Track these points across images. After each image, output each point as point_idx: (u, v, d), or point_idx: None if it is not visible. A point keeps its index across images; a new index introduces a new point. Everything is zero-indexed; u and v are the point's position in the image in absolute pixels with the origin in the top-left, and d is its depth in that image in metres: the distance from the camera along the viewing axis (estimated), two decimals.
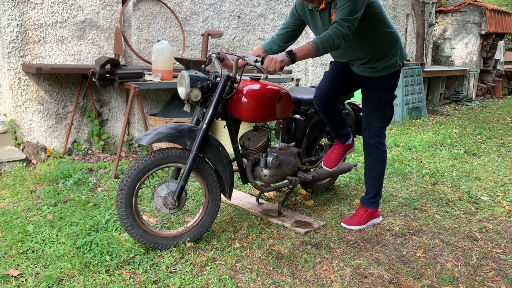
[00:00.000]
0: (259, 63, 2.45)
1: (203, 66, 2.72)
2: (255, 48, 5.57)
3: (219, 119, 2.71)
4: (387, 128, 6.25)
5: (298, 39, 3.11)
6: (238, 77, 2.57)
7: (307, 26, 2.85)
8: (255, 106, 2.63)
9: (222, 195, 2.72)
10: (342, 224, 2.95)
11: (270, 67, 2.39)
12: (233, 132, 2.75)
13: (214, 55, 2.64)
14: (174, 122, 4.18)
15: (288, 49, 2.50)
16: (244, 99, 2.62)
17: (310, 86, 3.48)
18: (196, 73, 2.54)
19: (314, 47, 2.43)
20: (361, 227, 2.92)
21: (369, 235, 2.84)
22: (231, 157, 2.72)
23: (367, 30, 2.62)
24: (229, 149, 2.74)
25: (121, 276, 2.24)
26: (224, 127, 2.75)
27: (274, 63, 2.38)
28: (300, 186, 3.49)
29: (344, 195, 3.55)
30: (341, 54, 2.85)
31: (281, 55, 2.41)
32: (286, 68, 5.93)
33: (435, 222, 3.09)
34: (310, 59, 6.60)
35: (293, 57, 2.42)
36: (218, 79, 2.62)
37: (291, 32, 2.85)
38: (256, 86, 2.69)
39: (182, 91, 2.52)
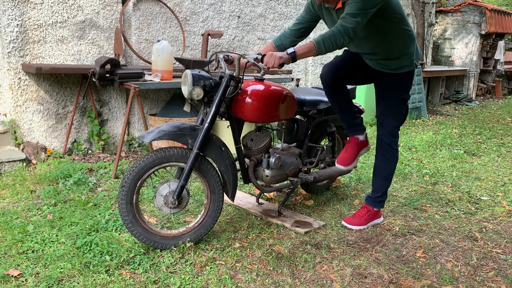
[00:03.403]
0: (259, 61, 2.45)
1: (210, 66, 2.73)
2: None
3: (223, 119, 2.71)
4: None
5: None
6: (240, 75, 2.57)
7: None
8: (259, 107, 2.63)
9: (224, 196, 2.72)
10: (343, 223, 2.95)
11: (269, 64, 2.39)
12: (236, 132, 2.74)
13: (221, 55, 2.64)
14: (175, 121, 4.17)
15: (289, 47, 2.49)
16: (248, 100, 2.62)
17: (312, 87, 3.48)
18: (200, 72, 2.55)
19: (315, 45, 2.40)
20: (361, 227, 2.91)
21: (369, 235, 2.84)
22: (234, 158, 2.72)
23: (385, 28, 2.59)
24: (232, 149, 2.74)
25: (121, 276, 2.24)
26: (228, 127, 2.75)
27: (273, 59, 2.37)
28: (300, 186, 3.49)
29: (344, 195, 3.55)
30: (356, 46, 2.80)
31: (281, 53, 2.40)
32: (286, 68, 5.93)
33: (435, 222, 3.09)
34: (310, 59, 6.60)
35: (293, 55, 2.40)
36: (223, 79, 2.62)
37: (305, 28, 2.83)
38: (261, 87, 2.69)
39: (185, 90, 2.53)
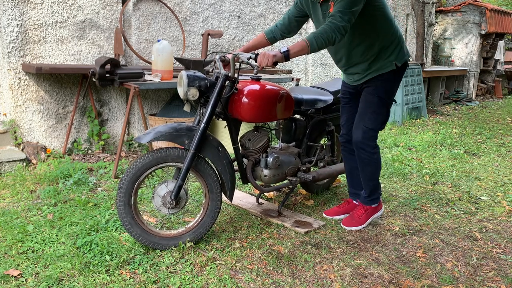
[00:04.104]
0: (253, 60, 2.46)
1: (208, 67, 2.74)
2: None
3: (220, 119, 2.71)
4: (387, 128, 6.24)
5: (295, 36, 3.10)
6: (235, 75, 2.58)
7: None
8: (256, 107, 2.63)
9: (223, 196, 2.72)
10: (342, 225, 2.94)
11: (263, 63, 2.40)
12: (233, 133, 2.75)
13: (217, 57, 2.65)
14: (174, 122, 4.18)
15: (282, 46, 2.50)
16: (244, 100, 2.62)
17: (310, 86, 3.48)
18: (195, 72, 2.56)
19: (308, 43, 2.41)
20: (360, 227, 2.91)
21: (369, 235, 2.84)
22: (232, 158, 2.72)
23: (364, 25, 2.55)
24: (230, 150, 2.74)
25: (121, 276, 2.24)
26: (225, 128, 2.75)
27: (266, 58, 2.39)
28: (300, 186, 3.49)
29: (344, 195, 3.55)
30: (343, 64, 2.79)
31: (274, 51, 2.42)
32: (285, 67, 5.93)
33: (435, 222, 3.09)
34: (310, 58, 6.60)
35: (286, 54, 2.41)
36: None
37: (294, 23, 2.83)
38: (257, 87, 2.69)
39: (180, 91, 2.54)
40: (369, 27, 2.58)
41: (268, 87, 2.74)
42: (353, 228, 2.89)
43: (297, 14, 2.80)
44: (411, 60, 8.06)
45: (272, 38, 2.86)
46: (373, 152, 2.79)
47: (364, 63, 2.69)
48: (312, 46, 2.41)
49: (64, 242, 2.55)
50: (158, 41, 4.01)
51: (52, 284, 2.15)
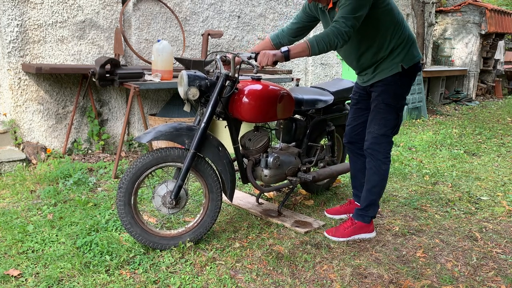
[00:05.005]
0: (253, 59, 2.47)
1: (209, 66, 2.75)
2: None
3: (220, 119, 2.71)
4: None
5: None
6: (236, 75, 2.58)
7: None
8: (256, 107, 2.63)
9: (223, 196, 2.72)
10: (324, 233, 2.79)
11: (263, 62, 2.40)
12: (234, 132, 2.75)
13: (218, 56, 2.65)
14: (174, 122, 4.18)
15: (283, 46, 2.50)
16: (245, 100, 2.62)
17: (310, 86, 3.48)
18: (195, 72, 2.56)
19: (309, 46, 2.40)
20: (343, 239, 2.71)
21: None
22: (232, 157, 2.72)
23: (371, 29, 2.52)
24: (230, 149, 2.74)
25: (121, 276, 2.24)
26: (225, 127, 2.75)
27: (266, 57, 2.40)
28: (300, 186, 3.49)
29: (344, 195, 3.55)
30: (353, 65, 2.77)
31: (275, 51, 2.42)
32: (285, 67, 5.93)
33: (435, 222, 3.09)
34: (310, 58, 6.60)
35: (286, 54, 2.41)
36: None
37: (302, 28, 2.81)
38: (257, 87, 2.69)
39: (181, 90, 2.54)
40: (375, 30, 2.54)
41: (269, 87, 2.74)
42: (335, 239, 2.73)
43: (306, 19, 2.78)
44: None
45: (278, 43, 2.84)
46: (382, 162, 2.67)
47: (373, 65, 2.65)
48: (313, 48, 2.40)
49: (64, 242, 2.55)
50: (158, 41, 4.01)
51: (52, 284, 2.15)
